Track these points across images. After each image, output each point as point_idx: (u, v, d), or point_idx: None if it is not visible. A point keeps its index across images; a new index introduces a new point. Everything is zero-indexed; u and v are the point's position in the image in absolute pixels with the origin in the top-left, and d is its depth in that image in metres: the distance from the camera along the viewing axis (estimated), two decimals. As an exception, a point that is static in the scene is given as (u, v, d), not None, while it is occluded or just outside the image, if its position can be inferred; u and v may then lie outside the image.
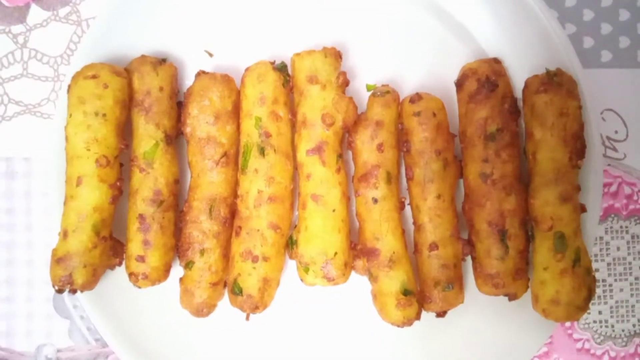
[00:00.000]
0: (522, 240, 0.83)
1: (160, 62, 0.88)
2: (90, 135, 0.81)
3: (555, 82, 0.81)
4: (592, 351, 0.95)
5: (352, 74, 0.92)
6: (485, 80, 0.83)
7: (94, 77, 0.82)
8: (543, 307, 0.80)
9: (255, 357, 0.92)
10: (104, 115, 0.82)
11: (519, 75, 0.88)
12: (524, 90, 0.84)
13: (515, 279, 0.83)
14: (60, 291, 0.84)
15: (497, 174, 0.83)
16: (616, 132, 0.95)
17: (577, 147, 0.80)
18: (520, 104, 0.86)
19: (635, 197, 0.95)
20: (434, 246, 0.85)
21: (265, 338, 0.93)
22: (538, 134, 0.81)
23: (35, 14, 0.99)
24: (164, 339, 0.92)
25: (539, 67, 0.86)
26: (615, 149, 0.95)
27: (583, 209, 0.83)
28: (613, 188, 0.95)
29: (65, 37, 0.99)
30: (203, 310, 0.88)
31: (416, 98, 0.86)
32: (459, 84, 0.86)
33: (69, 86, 0.84)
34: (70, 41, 0.99)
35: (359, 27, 0.92)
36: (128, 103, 0.86)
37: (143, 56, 0.88)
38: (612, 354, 0.95)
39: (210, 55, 0.93)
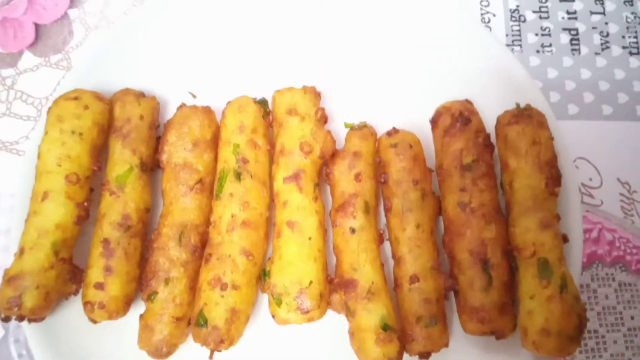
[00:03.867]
0: (505, 271, 0.80)
1: (144, 95, 0.90)
2: (63, 152, 0.80)
3: (525, 114, 0.83)
4: (592, 414, 0.86)
5: (330, 117, 0.94)
6: (458, 115, 0.86)
7: (75, 98, 0.83)
8: (533, 339, 0.74)
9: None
10: (81, 134, 0.82)
11: (490, 119, 0.91)
12: (496, 126, 0.87)
13: (501, 313, 0.78)
14: (6, 319, 0.76)
15: (475, 202, 0.82)
16: (590, 179, 0.96)
17: (552, 174, 0.80)
18: (493, 140, 0.88)
19: (617, 244, 0.94)
20: (414, 278, 0.80)
21: (230, 390, 0.83)
22: (513, 163, 0.82)
23: (27, 59, 1.03)
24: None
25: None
26: (591, 196, 0.96)
27: (565, 238, 0.80)
28: (594, 234, 0.94)
29: (53, 81, 1.02)
30: (162, 349, 0.79)
31: (393, 132, 0.88)
32: (434, 121, 0.89)
33: (49, 108, 0.84)
34: (58, 84, 1.02)
35: (337, 73, 0.96)
36: (106, 130, 0.86)
37: (127, 88, 0.90)
38: (614, 416, 0.86)
39: (194, 96, 0.96)
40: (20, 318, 0.76)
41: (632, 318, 0.90)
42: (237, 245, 0.80)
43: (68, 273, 0.79)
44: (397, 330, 0.79)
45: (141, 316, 0.81)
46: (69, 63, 1.03)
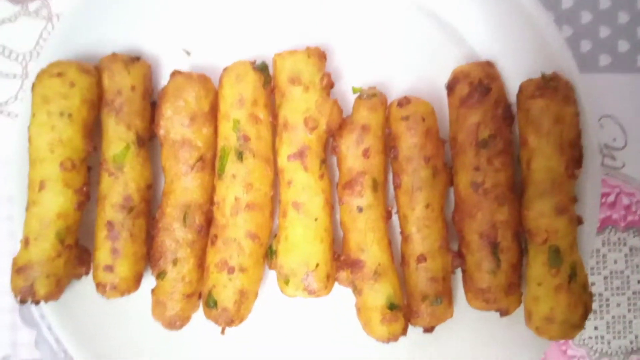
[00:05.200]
0: (514, 254, 0.78)
1: (133, 60, 0.83)
2: (54, 137, 0.76)
3: (551, 86, 0.76)
4: (586, 369, 0.91)
5: (337, 75, 0.87)
6: (477, 84, 0.79)
7: (59, 75, 0.77)
8: (537, 324, 0.76)
9: (232, 373, 0.87)
10: (70, 115, 0.77)
11: (513, 79, 0.83)
12: (518, 95, 0.80)
13: (508, 294, 0.78)
14: (22, 302, 0.78)
15: (489, 183, 0.78)
16: (614, 139, 0.91)
17: (573, 155, 0.75)
18: (514, 109, 0.81)
19: (633, 208, 0.91)
20: (422, 258, 0.80)
21: (243, 352, 0.87)
22: (533, 142, 0.76)
23: (3, 7, 0.94)
24: (136, 353, 0.86)
25: (534, 71, 0.82)
26: (613, 158, 0.91)
27: (580, 220, 0.78)
28: (611, 198, 0.91)
29: (35, 33, 0.94)
30: (176, 323, 0.82)
31: (404, 102, 0.81)
32: (450, 88, 0.82)
33: (33, 84, 0.78)
34: (40, 37, 0.94)
35: (345, 26, 0.87)
36: (97, 103, 0.81)
37: (114, 54, 0.83)
38: (608, 372, 0.91)
39: (188, 54, 0.88)
40: (36, 302, 0.78)
41: (639, 282, 0.91)
42: (242, 229, 0.79)
43: (76, 258, 0.80)
44: (402, 308, 0.81)
45: (153, 291, 0.83)
46: (49, 12, 0.93)
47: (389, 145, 0.83)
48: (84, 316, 0.86)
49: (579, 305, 0.74)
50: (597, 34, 0.91)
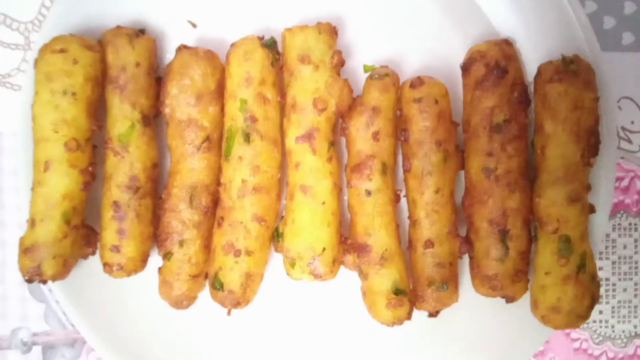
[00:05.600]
0: (524, 241, 0.77)
1: (137, 34, 0.80)
2: (58, 116, 0.74)
3: (571, 70, 0.73)
4: (589, 351, 0.91)
5: (349, 52, 0.84)
6: (494, 65, 0.76)
7: (62, 51, 0.74)
8: (542, 313, 0.75)
9: (238, 351, 0.88)
10: (74, 94, 0.75)
11: (531, 57, 0.80)
12: (536, 78, 0.77)
13: (515, 282, 0.78)
14: (30, 281, 0.79)
15: (501, 169, 0.76)
16: (632, 122, 0.88)
17: (590, 143, 0.73)
18: (531, 89, 0.79)
19: (647, 194, 0.89)
20: (429, 243, 0.79)
21: (248, 332, 0.88)
22: (548, 128, 0.74)
23: (2, -26, 0.90)
24: (143, 330, 0.87)
25: (553, 50, 0.79)
26: (629, 141, 0.88)
27: (592, 209, 0.77)
28: (624, 183, 0.89)
29: (36, 1, 0.90)
30: (182, 302, 0.83)
31: (417, 83, 0.78)
32: (465, 68, 0.79)
33: (36, 60, 0.76)
34: (42, 6, 0.91)
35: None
36: (101, 80, 0.78)
37: (118, 27, 0.80)
38: (610, 354, 0.91)
39: (194, 26, 0.85)
40: (44, 282, 0.79)
41: (647, 268, 0.90)
42: (248, 212, 0.78)
43: (83, 238, 0.80)
44: (408, 292, 0.81)
45: (159, 270, 0.83)
46: (49, -21, 0.90)
47: (399, 128, 0.80)
48: (91, 294, 0.86)
49: (586, 296, 0.73)
50: (622, 10, 0.87)
